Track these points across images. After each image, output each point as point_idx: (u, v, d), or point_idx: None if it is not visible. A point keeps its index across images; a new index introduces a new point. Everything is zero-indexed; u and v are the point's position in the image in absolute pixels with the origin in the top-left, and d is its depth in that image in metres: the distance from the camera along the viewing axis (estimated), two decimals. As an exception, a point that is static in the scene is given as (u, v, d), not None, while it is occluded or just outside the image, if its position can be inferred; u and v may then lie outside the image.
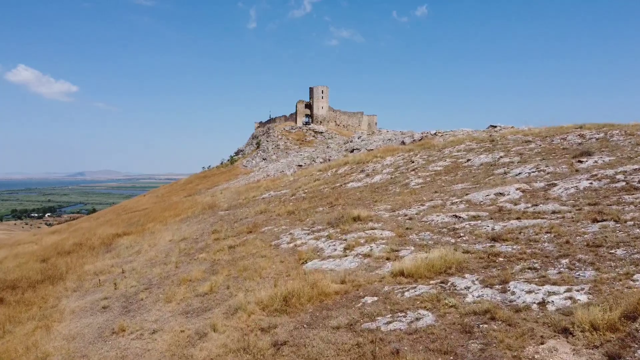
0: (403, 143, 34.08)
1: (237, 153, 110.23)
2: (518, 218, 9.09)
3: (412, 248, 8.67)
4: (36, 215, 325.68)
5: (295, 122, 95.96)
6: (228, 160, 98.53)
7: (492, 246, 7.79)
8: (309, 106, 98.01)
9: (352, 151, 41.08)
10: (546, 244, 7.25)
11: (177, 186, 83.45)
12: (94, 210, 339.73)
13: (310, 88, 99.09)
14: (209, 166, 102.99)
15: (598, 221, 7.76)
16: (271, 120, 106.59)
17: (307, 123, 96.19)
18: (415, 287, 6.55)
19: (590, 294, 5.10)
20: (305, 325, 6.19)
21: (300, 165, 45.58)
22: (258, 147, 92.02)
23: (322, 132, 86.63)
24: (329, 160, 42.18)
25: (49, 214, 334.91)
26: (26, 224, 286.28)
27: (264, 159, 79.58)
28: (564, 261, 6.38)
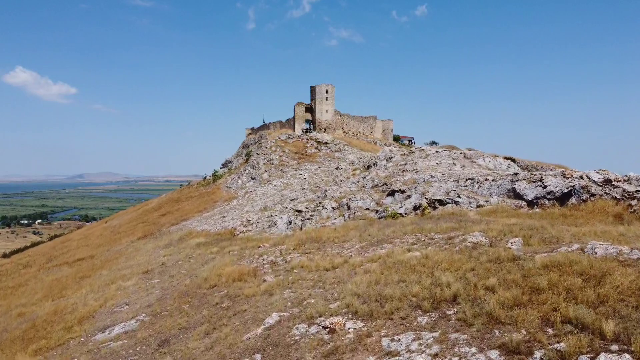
0: (520, 197, 15.80)
1: (224, 165, 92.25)
2: None
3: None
4: (26, 222, 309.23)
5: (293, 130, 77.62)
6: (212, 175, 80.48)
7: None
8: (310, 110, 79.72)
9: (390, 194, 22.80)
10: None
11: (141, 214, 65.25)
12: (86, 217, 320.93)
13: (311, 87, 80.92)
14: (188, 182, 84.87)
15: None
16: (264, 127, 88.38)
17: (307, 130, 77.83)
18: None
19: None
20: None
21: (300, 212, 27.36)
22: (247, 159, 73.80)
23: (327, 143, 68.22)
24: (349, 207, 23.90)
25: (39, 220, 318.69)
26: (12, 232, 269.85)
27: (252, 179, 61.38)
28: None
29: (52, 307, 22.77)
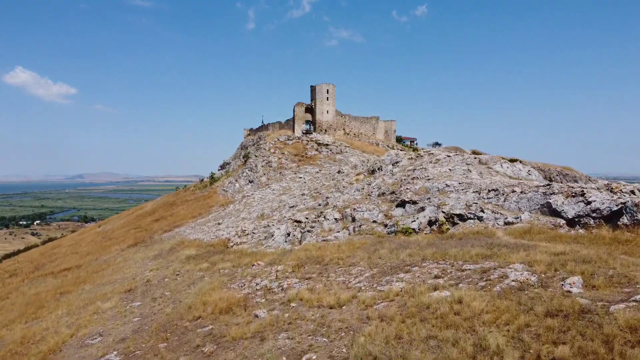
0: (556, 214, 13.51)
1: (222, 167, 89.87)
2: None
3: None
4: (24, 223, 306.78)
5: (293, 131, 75.19)
6: (209, 177, 78.07)
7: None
8: (310, 110, 77.30)
9: (400, 205, 20.42)
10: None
11: (135, 219, 62.85)
12: (85, 218, 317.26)
13: (311, 87, 78.49)
14: (185, 185, 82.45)
15: None
16: (263, 127, 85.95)
17: (307, 132, 75.42)
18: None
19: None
20: None
21: (299, 222, 24.94)
22: (245, 162, 71.38)
23: (327, 145, 65.78)
24: (353, 219, 21.54)
25: (38, 221, 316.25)
26: (10, 233, 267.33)
27: (250, 182, 58.98)
28: None
29: (22, 332, 20.34)
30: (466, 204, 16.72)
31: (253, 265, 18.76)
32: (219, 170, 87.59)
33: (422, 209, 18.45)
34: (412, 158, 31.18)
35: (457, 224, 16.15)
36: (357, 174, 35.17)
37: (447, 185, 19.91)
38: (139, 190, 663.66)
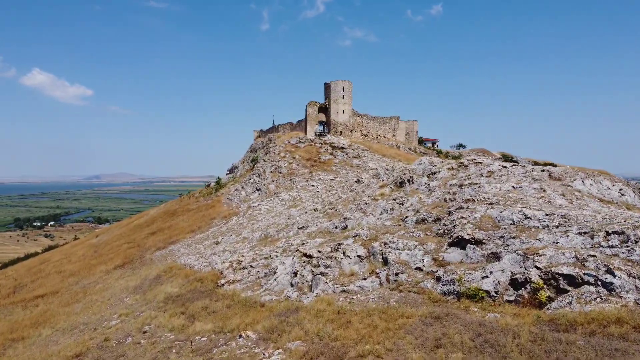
0: None
1: (230, 170, 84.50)
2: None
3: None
4: (38, 224, 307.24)
5: (305, 132, 69.11)
6: (215, 182, 72.63)
7: None
8: (324, 110, 71.09)
9: (455, 244, 14.13)
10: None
11: (131, 230, 57.53)
12: (99, 219, 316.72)
13: (325, 84, 72.33)
14: (189, 192, 77.10)
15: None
16: (274, 129, 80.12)
17: (321, 133, 69.24)
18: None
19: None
20: None
21: (309, 257, 18.83)
22: (254, 166, 65.67)
23: (343, 148, 59.52)
24: (385, 261, 15.37)
25: (52, 222, 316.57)
26: (24, 235, 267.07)
27: (257, 190, 53.11)
28: None
29: None
30: (576, 257, 10.32)
31: (240, 337, 12.69)
32: (227, 174, 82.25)
33: (496, 256, 12.11)
34: (452, 168, 24.76)
35: (565, 290, 9.79)
36: (381, 186, 28.92)
37: (527, 217, 13.49)
38: (154, 191, 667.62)
